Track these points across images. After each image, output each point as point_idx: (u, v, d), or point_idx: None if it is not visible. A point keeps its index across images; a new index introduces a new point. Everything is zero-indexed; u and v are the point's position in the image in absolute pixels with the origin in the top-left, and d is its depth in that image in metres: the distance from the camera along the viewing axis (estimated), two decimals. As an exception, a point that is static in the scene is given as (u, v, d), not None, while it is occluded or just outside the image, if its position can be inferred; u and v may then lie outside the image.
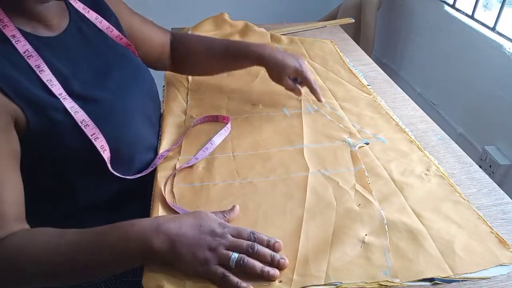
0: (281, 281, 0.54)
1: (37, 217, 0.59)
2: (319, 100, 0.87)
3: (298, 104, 0.93)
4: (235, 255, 0.53)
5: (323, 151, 0.78)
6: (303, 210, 0.64)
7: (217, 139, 0.78)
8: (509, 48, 1.30)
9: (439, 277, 0.55)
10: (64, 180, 0.65)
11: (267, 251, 0.55)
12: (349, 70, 1.08)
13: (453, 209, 0.66)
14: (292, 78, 0.88)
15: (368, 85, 1.01)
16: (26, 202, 0.57)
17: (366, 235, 0.61)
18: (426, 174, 0.73)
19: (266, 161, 0.75)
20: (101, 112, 0.64)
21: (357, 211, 0.65)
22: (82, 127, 0.60)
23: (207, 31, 1.26)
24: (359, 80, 1.03)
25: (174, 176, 0.71)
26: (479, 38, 1.42)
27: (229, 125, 0.82)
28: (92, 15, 0.71)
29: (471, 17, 1.47)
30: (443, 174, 0.73)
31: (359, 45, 1.30)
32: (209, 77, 0.99)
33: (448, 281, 0.55)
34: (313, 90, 0.87)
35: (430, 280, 0.55)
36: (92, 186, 0.68)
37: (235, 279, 0.51)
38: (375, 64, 1.15)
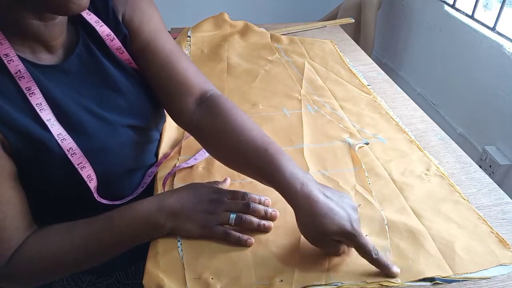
0: (281, 281, 0.54)
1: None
2: (393, 275, 0.54)
3: (298, 104, 0.93)
4: (233, 215, 0.59)
5: (323, 151, 0.78)
6: (303, 210, 0.64)
7: None
8: (509, 48, 1.30)
9: (439, 277, 0.55)
10: (46, 205, 0.62)
11: (260, 207, 0.61)
12: (349, 70, 1.08)
13: (453, 209, 0.66)
14: None
15: (368, 85, 1.01)
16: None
17: (366, 235, 0.61)
18: (426, 174, 0.73)
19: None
20: (92, 146, 0.59)
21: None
22: (69, 155, 0.56)
23: (207, 31, 1.26)
24: (359, 80, 1.03)
25: (174, 176, 0.71)
26: (479, 38, 1.42)
27: None
28: (104, 31, 0.61)
29: (471, 17, 1.47)
30: (443, 174, 0.73)
31: (359, 45, 1.30)
32: (209, 77, 0.95)
33: (449, 281, 0.55)
34: (374, 262, 0.54)
35: (431, 280, 0.55)
36: (75, 211, 0.59)
37: (236, 234, 0.58)
38: (375, 64, 1.15)
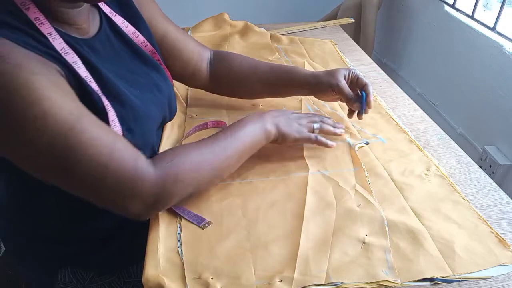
0: (281, 281, 0.54)
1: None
2: (368, 105, 0.80)
3: (298, 104, 0.93)
4: (316, 124, 0.76)
5: (323, 151, 0.78)
6: (303, 210, 0.64)
7: None
8: (509, 48, 1.30)
9: (439, 277, 0.55)
10: None
11: (330, 120, 0.79)
12: (349, 70, 1.08)
13: (453, 209, 0.66)
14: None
15: (368, 85, 1.01)
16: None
17: (366, 235, 0.61)
18: (426, 174, 0.73)
19: (266, 161, 0.75)
20: (129, 114, 0.63)
21: (357, 212, 0.65)
22: (112, 126, 0.59)
23: (207, 31, 1.26)
24: (359, 80, 1.03)
25: None
26: (479, 38, 1.42)
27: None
28: (118, 20, 0.69)
29: (471, 17, 1.47)
30: (443, 174, 0.73)
31: (359, 45, 1.30)
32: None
33: (449, 281, 0.55)
34: (368, 91, 0.80)
35: (430, 280, 0.55)
36: None
37: (323, 138, 0.75)
38: (375, 64, 1.15)
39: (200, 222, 0.62)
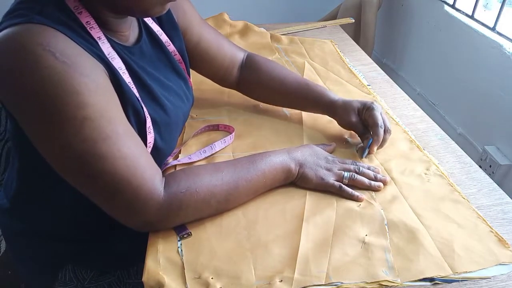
0: (281, 281, 0.54)
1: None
2: (370, 151, 0.75)
3: (298, 104, 0.92)
4: (347, 173, 0.68)
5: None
6: (303, 210, 0.64)
7: (219, 145, 0.77)
8: (509, 48, 1.30)
9: (439, 277, 0.55)
10: None
11: (370, 172, 0.70)
12: (349, 70, 1.08)
13: (452, 209, 0.66)
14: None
15: (368, 85, 1.01)
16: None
17: (366, 235, 0.61)
18: (426, 174, 0.73)
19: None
20: (163, 120, 0.65)
21: (357, 211, 0.65)
22: (147, 133, 0.62)
23: (207, 31, 1.26)
24: (359, 80, 1.03)
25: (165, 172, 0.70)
26: (479, 38, 1.42)
27: (233, 135, 0.81)
28: (155, 27, 0.71)
29: (471, 17, 1.47)
30: (443, 173, 0.73)
31: (359, 45, 1.30)
32: (215, 83, 0.94)
33: (449, 281, 0.55)
34: (375, 134, 0.73)
35: (430, 280, 0.55)
36: None
37: (349, 189, 0.67)
38: (375, 64, 1.15)
39: (180, 232, 0.61)
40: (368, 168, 0.71)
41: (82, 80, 0.50)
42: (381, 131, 0.73)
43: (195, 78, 1.00)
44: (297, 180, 0.68)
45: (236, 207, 0.64)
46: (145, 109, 0.61)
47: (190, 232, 0.61)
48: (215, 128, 0.84)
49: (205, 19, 1.28)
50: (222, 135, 0.81)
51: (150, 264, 0.56)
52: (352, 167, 0.70)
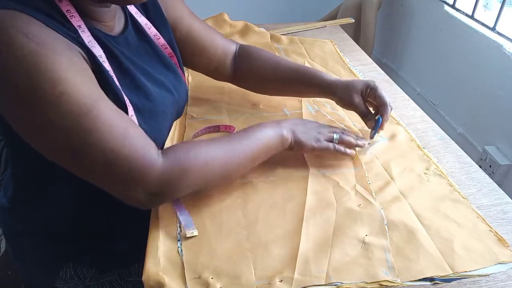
0: (281, 281, 0.54)
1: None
2: (370, 136, 0.79)
3: (299, 104, 0.93)
4: (336, 135, 0.73)
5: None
6: (303, 210, 0.65)
7: None
8: (509, 48, 1.30)
9: (439, 276, 0.55)
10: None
11: (353, 135, 0.76)
12: (349, 70, 1.08)
13: (452, 208, 0.66)
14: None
15: (368, 85, 1.01)
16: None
17: (366, 235, 0.61)
18: (425, 173, 0.73)
19: (266, 161, 0.75)
20: (146, 107, 0.64)
21: (357, 211, 0.65)
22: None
23: (207, 31, 1.26)
24: (359, 80, 1.03)
25: None
26: (479, 38, 1.42)
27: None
28: (142, 21, 0.70)
29: (471, 17, 1.47)
30: (443, 173, 0.73)
31: (359, 45, 1.30)
32: (210, 77, 0.94)
33: (449, 280, 0.55)
34: (384, 113, 0.76)
35: (430, 279, 0.55)
36: None
37: (342, 147, 0.73)
38: (375, 64, 1.15)
39: (187, 227, 0.61)
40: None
41: (56, 58, 0.49)
42: (389, 109, 0.77)
43: (195, 78, 1.01)
44: (293, 147, 0.70)
45: (237, 177, 0.67)
46: (126, 98, 0.60)
47: (196, 230, 0.60)
48: (216, 129, 0.83)
49: (205, 19, 1.29)
50: (223, 135, 0.81)
51: (150, 264, 0.56)
52: (338, 129, 0.76)
